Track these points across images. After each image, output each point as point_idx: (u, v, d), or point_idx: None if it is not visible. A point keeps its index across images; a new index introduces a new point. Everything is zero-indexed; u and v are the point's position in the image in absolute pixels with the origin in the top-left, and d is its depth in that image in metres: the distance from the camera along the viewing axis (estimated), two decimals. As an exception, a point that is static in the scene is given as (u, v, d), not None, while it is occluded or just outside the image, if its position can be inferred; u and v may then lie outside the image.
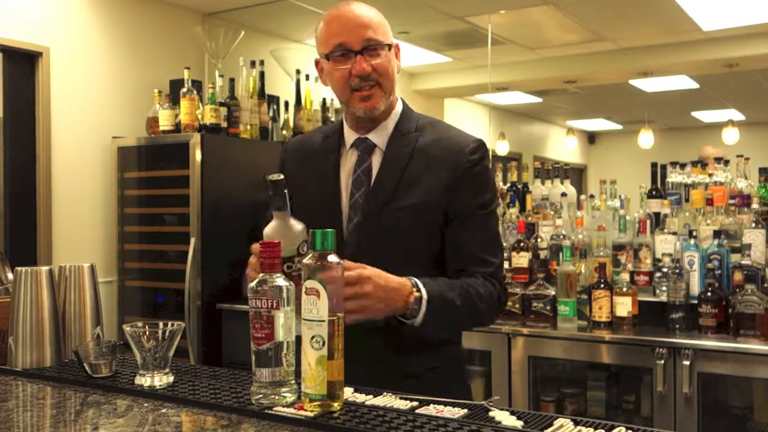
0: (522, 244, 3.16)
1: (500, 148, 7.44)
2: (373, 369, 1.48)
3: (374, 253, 1.55)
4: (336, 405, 1.20)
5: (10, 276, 1.76)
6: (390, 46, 1.58)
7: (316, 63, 1.65)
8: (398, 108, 1.68)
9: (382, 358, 1.56)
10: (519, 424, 1.16)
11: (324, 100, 4.62)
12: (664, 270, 2.87)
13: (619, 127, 10.97)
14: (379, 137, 1.64)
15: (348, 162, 1.66)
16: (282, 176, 1.43)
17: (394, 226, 1.57)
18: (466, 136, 1.65)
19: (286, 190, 1.43)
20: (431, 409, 1.23)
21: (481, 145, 1.64)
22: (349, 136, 1.67)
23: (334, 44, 1.56)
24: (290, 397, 1.24)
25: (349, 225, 1.60)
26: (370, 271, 1.40)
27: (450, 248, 1.61)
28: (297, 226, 1.43)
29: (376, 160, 1.63)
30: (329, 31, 1.57)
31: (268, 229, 1.42)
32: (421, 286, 1.48)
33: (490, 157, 5.63)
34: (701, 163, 3.21)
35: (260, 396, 1.23)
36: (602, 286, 2.88)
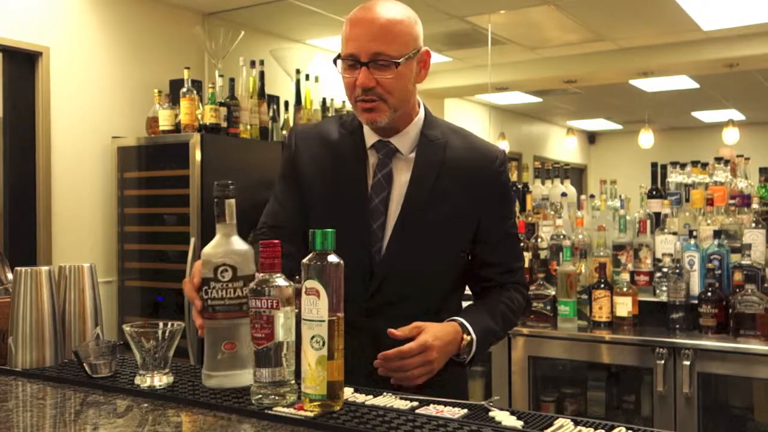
0: (522, 244, 3.15)
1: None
2: (373, 380, 1.46)
3: (400, 259, 1.56)
4: (336, 405, 1.20)
5: (10, 276, 1.76)
6: (398, 64, 1.51)
7: (335, 60, 1.62)
8: (421, 114, 1.65)
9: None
10: (519, 424, 1.16)
11: (324, 99, 4.63)
12: (665, 270, 2.87)
13: (619, 127, 10.98)
14: (403, 143, 1.61)
15: (368, 163, 1.63)
16: (230, 183, 1.36)
17: (425, 236, 1.57)
18: (493, 148, 1.68)
19: (229, 200, 1.35)
20: (431, 409, 1.23)
21: (506, 156, 1.68)
22: (369, 136, 1.63)
23: (346, 52, 1.53)
24: (290, 397, 1.24)
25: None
26: (428, 334, 1.44)
27: (481, 262, 1.65)
28: (233, 245, 1.32)
29: (397, 166, 1.61)
30: (347, 34, 1.54)
31: (208, 247, 1.35)
32: (469, 327, 1.53)
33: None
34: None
35: (260, 396, 1.23)
36: (602, 286, 2.87)
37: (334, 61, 1.58)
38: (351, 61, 1.52)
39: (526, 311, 1.73)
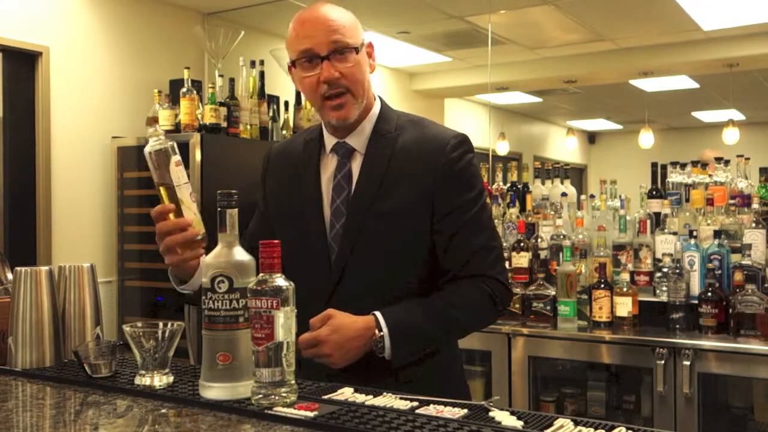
0: (522, 244, 3.15)
1: (500, 148, 7.43)
2: (366, 380, 1.45)
3: (359, 261, 1.54)
4: None
5: (10, 276, 1.76)
6: (357, 50, 1.53)
7: (289, 68, 1.62)
8: (376, 108, 1.63)
9: (372, 370, 1.50)
10: (519, 424, 1.15)
11: (324, 100, 4.61)
12: (665, 270, 2.87)
13: (619, 127, 10.97)
14: (358, 141, 1.60)
15: (328, 167, 1.62)
16: (233, 192, 1.32)
17: (377, 233, 1.53)
18: (447, 133, 1.59)
19: (231, 210, 1.33)
20: (431, 409, 1.23)
21: (463, 140, 1.59)
22: (329, 140, 1.63)
23: (299, 50, 1.53)
24: (290, 397, 1.24)
25: (331, 232, 1.57)
26: (328, 327, 1.42)
27: (443, 254, 1.56)
28: (234, 255, 1.30)
29: (355, 165, 1.60)
30: (296, 35, 1.54)
31: (209, 256, 1.33)
32: (382, 322, 1.46)
33: (490, 154, 5.63)
34: (701, 163, 3.21)
35: (260, 396, 1.23)
36: (602, 286, 2.87)
37: (289, 68, 1.60)
38: (307, 57, 1.53)
39: (498, 303, 1.58)
